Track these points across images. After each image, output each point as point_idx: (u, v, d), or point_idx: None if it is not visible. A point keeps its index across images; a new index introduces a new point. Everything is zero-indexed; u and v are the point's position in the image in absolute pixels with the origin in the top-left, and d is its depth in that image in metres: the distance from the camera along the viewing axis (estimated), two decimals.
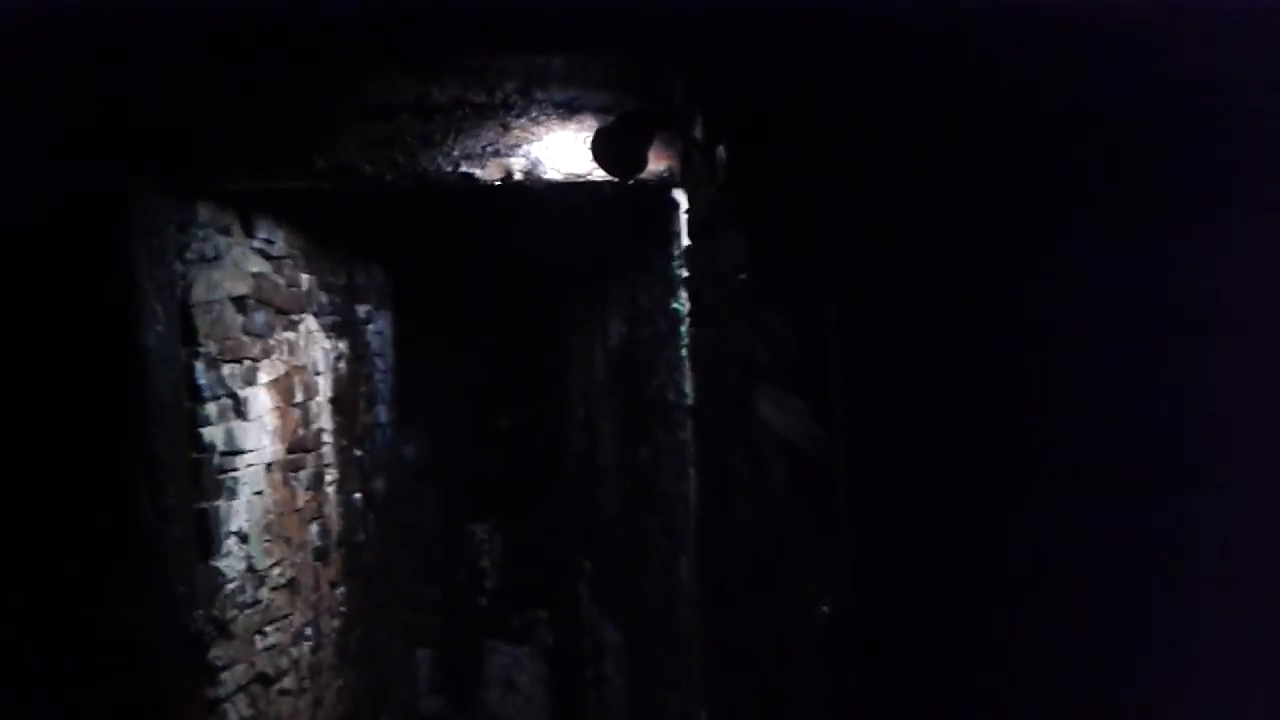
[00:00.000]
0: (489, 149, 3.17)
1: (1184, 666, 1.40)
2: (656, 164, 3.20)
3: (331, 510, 4.90)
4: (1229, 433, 1.40)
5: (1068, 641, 1.41)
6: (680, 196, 3.32)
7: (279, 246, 4.18)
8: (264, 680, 3.92)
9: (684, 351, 3.63)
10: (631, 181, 3.20)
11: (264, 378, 4.01)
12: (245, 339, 3.83)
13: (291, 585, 4.24)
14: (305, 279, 4.58)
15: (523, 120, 3.15)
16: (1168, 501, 1.40)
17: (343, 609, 5.02)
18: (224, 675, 3.56)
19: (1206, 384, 1.40)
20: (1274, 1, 1.38)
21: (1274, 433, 1.38)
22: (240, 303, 3.78)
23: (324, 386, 4.86)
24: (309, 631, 4.47)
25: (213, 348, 3.54)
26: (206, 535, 3.48)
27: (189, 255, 3.43)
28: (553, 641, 8.03)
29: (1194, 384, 1.40)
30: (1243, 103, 1.39)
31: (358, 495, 5.43)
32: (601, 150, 3.12)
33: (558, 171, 3.20)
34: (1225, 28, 1.38)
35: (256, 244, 3.96)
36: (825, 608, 1.60)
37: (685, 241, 3.32)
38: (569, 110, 3.14)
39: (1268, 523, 1.38)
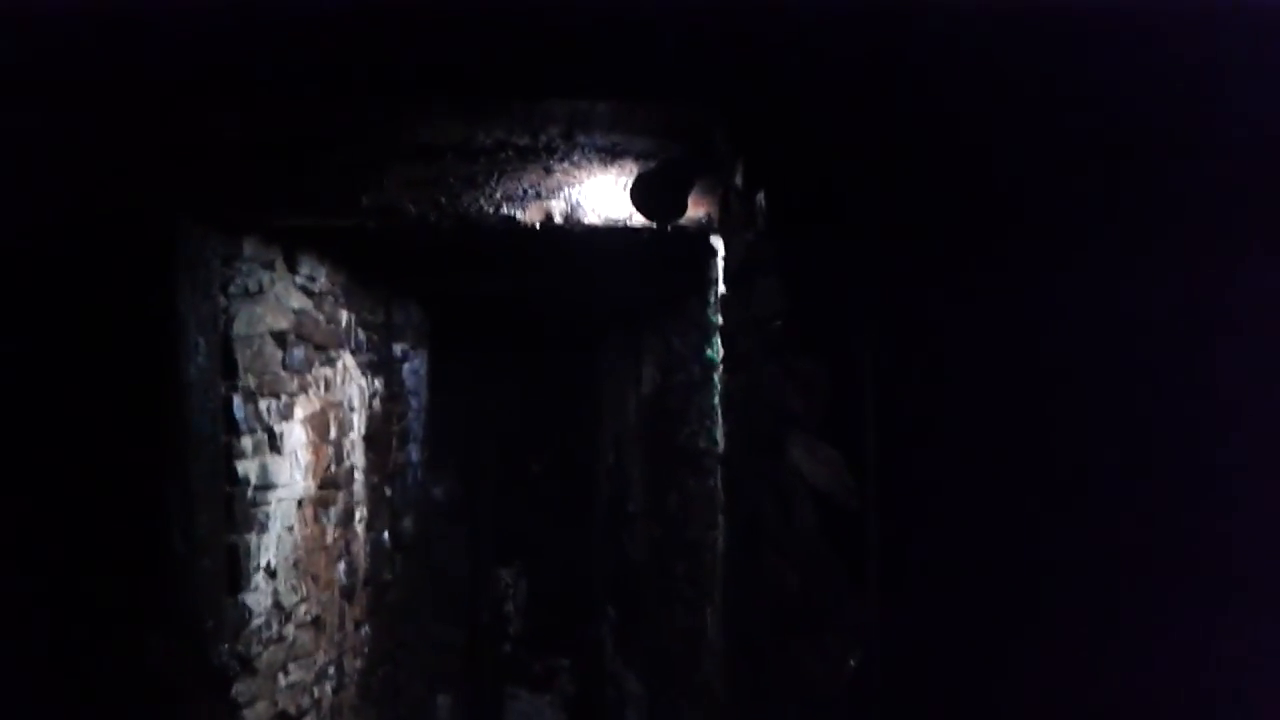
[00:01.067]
0: (530, 191, 3.21)
1: (1211, 699, 1.36)
2: (695, 210, 3.21)
3: (359, 548, 4.91)
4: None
5: (1099, 696, 1.38)
6: (718, 243, 3.33)
7: (320, 283, 4.24)
8: (285, 719, 3.90)
9: (716, 399, 3.63)
10: (670, 228, 3.21)
11: (300, 413, 4.04)
12: (283, 374, 3.87)
13: (317, 623, 4.24)
14: (344, 315, 4.63)
15: (564, 164, 3.19)
16: (1203, 545, 1.37)
17: (366, 649, 5.00)
18: (246, 712, 3.55)
19: (1241, 427, 1.38)
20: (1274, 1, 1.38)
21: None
22: (280, 338, 3.82)
23: (358, 423, 4.89)
24: (332, 670, 4.46)
25: (251, 382, 3.58)
26: (236, 569, 3.49)
27: (232, 289, 3.48)
28: (574, 690, 7.94)
29: (1231, 423, 1.38)
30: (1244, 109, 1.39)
31: (386, 534, 5.43)
32: (641, 196, 3.13)
33: (597, 215, 3.22)
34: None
35: (299, 280, 4.01)
36: (853, 659, 1.57)
37: (721, 288, 3.33)
38: (610, 155, 3.17)
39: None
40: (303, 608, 4.06)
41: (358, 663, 4.86)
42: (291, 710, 3.95)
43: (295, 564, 3.98)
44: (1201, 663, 1.37)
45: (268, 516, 3.72)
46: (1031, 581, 1.42)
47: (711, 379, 3.71)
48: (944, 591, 1.44)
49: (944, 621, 1.44)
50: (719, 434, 3.59)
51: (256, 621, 3.62)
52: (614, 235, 3.31)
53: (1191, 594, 1.38)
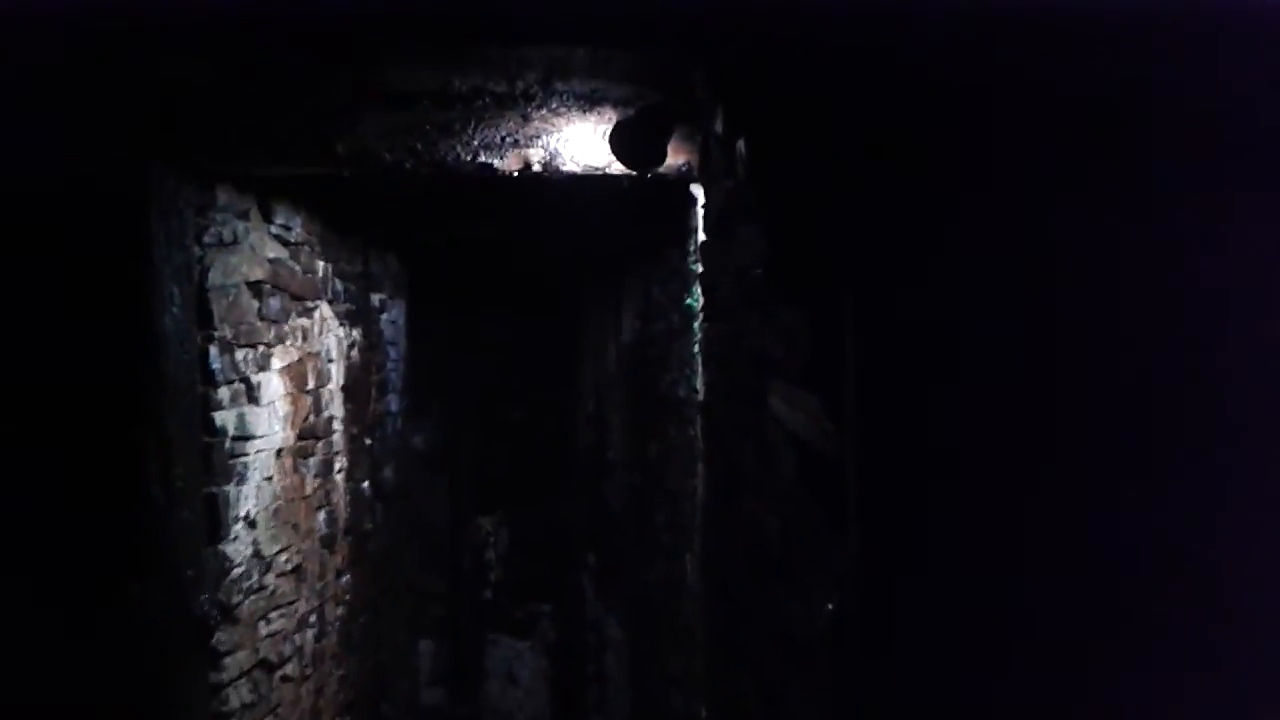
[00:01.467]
0: (508, 139, 3.17)
1: (1188, 666, 1.39)
2: (675, 158, 3.19)
3: (340, 498, 4.92)
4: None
5: (1073, 642, 1.41)
6: (698, 191, 3.32)
7: (296, 232, 4.19)
8: (267, 666, 3.93)
9: (696, 347, 3.63)
10: (649, 175, 3.19)
11: (277, 363, 4.02)
12: (260, 324, 3.85)
13: (297, 572, 4.25)
14: (321, 266, 4.60)
15: (543, 111, 3.15)
16: (1176, 499, 1.39)
17: (348, 597, 5.03)
18: (227, 660, 3.57)
19: (1214, 379, 1.39)
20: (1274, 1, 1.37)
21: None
22: (256, 288, 3.79)
23: (336, 374, 4.87)
24: (313, 619, 4.48)
25: (228, 332, 3.56)
26: (215, 519, 3.49)
27: (207, 239, 3.44)
28: (555, 636, 8.03)
29: (1198, 376, 1.39)
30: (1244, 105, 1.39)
31: (366, 484, 5.44)
32: (620, 143, 3.11)
33: (576, 163, 3.20)
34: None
35: (274, 229, 3.97)
36: (831, 603, 1.59)
37: (701, 237, 3.32)
38: (589, 102, 3.13)
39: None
40: (283, 557, 4.07)
41: (339, 611, 4.90)
42: (273, 658, 3.98)
43: (275, 514, 3.98)
44: (1193, 642, 1.40)
45: (246, 467, 3.71)
46: (1010, 526, 1.43)
47: (691, 327, 3.71)
48: (923, 537, 1.46)
49: (922, 567, 1.46)
50: (699, 382, 3.60)
51: (236, 571, 3.63)
52: (593, 183, 3.29)
53: (1189, 571, 1.40)
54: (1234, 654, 1.40)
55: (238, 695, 3.64)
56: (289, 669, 4.17)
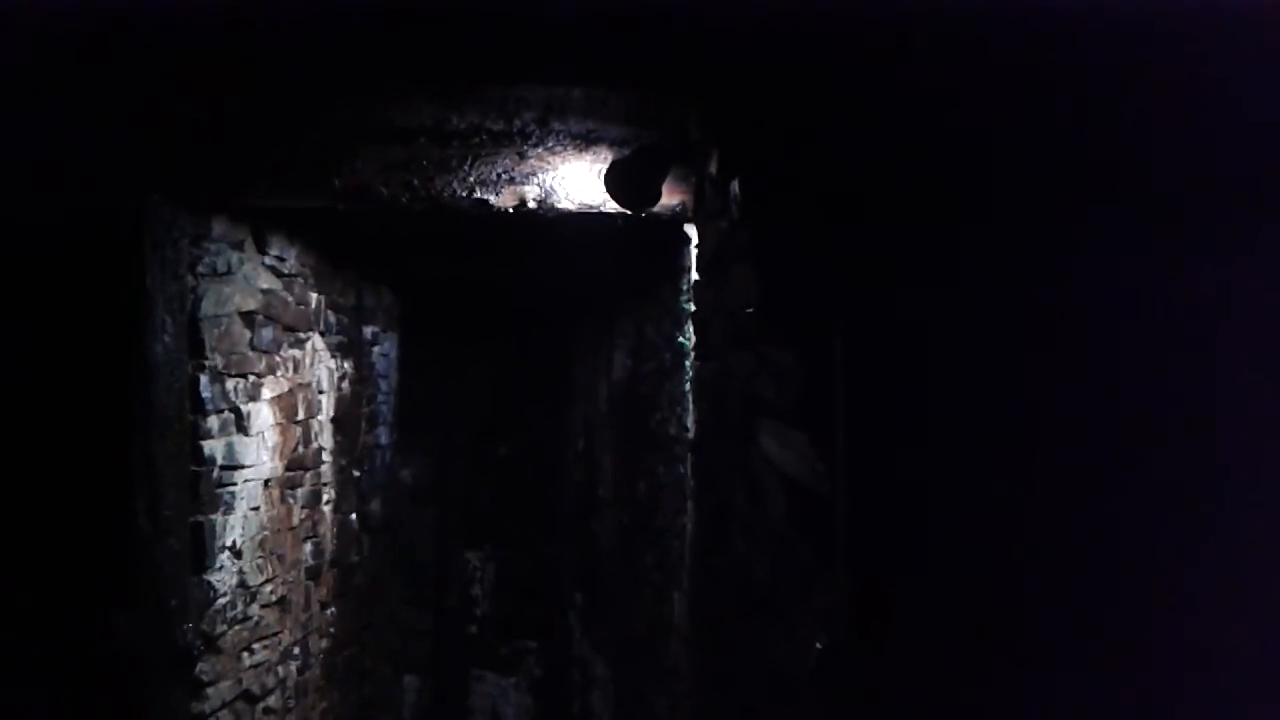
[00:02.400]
0: (504, 176, 3.20)
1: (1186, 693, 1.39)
2: (670, 198, 3.22)
3: (326, 530, 4.89)
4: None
5: (1066, 680, 1.41)
6: (691, 231, 3.34)
7: (290, 264, 4.21)
8: (249, 698, 3.89)
9: (688, 386, 3.64)
10: (644, 214, 3.22)
11: (267, 394, 4.02)
12: (251, 354, 3.85)
13: (282, 603, 4.23)
14: (314, 298, 4.61)
15: (539, 149, 3.19)
16: (1171, 540, 1.40)
17: (332, 629, 5.00)
18: (209, 690, 3.54)
19: (1212, 420, 1.41)
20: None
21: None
22: (249, 318, 3.80)
23: (326, 405, 4.87)
24: (297, 651, 4.45)
25: (219, 361, 3.56)
26: (201, 548, 3.47)
27: (200, 269, 3.45)
28: (541, 673, 7.96)
29: (1197, 419, 1.41)
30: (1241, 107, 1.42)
31: (354, 516, 5.42)
32: (616, 182, 3.14)
33: (571, 201, 3.23)
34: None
35: (268, 260, 3.98)
36: (819, 643, 1.60)
37: (695, 276, 3.34)
38: (585, 141, 3.17)
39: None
40: (268, 588, 4.04)
41: (324, 643, 4.86)
42: (256, 689, 3.94)
43: (261, 544, 3.96)
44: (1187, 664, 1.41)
45: (234, 496, 3.70)
46: (999, 566, 1.44)
47: (683, 366, 3.73)
48: (911, 577, 1.47)
49: (911, 607, 1.46)
50: (690, 421, 3.61)
51: (221, 601, 3.60)
52: (588, 221, 3.32)
53: (1179, 606, 1.41)
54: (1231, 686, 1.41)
55: None
56: (271, 701, 4.13)
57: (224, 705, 3.65)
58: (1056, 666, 1.42)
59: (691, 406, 3.57)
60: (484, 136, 3.17)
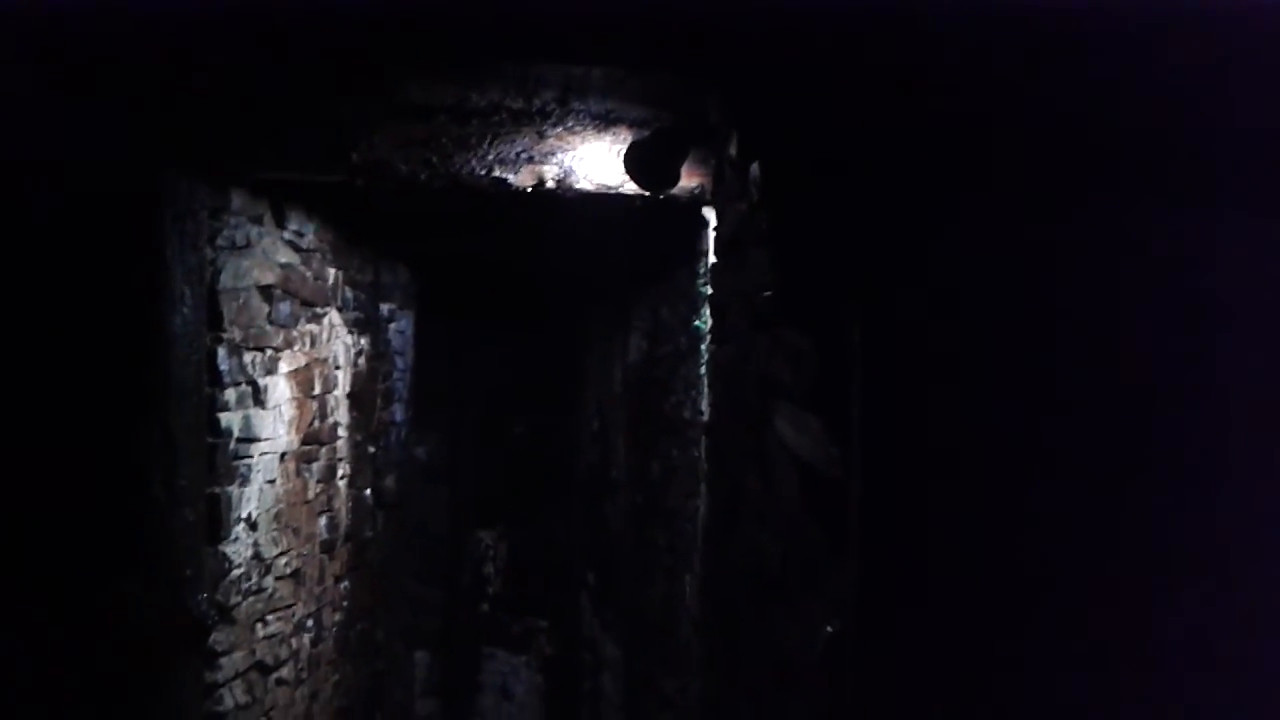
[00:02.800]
0: (523, 155, 3.20)
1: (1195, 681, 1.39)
2: (688, 180, 3.21)
3: (341, 504, 4.92)
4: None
5: (1074, 671, 1.41)
6: (710, 214, 3.33)
7: (309, 239, 4.22)
8: (262, 669, 3.92)
9: (703, 369, 3.64)
10: (662, 196, 3.21)
11: (284, 368, 4.04)
12: (269, 328, 3.87)
13: (296, 576, 4.26)
14: (332, 273, 4.62)
15: (558, 129, 3.18)
16: (1183, 524, 1.40)
17: (345, 604, 5.03)
18: (223, 660, 3.57)
19: (1219, 405, 1.40)
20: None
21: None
22: (267, 292, 3.81)
23: (343, 381, 4.89)
24: (310, 623, 4.48)
25: (236, 334, 3.58)
26: (216, 520, 3.50)
27: (220, 242, 3.47)
28: (551, 652, 8.00)
29: (1205, 401, 1.40)
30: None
31: (368, 491, 5.45)
32: (635, 163, 3.13)
33: (590, 182, 3.22)
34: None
35: (287, 235, 4.00)
36: (830, 627, 1.60)
37: (712, 259, 3.33)
38: (605, 122, 3.16)
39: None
40: (282, 560, 4.07)
41: (337, 616, 4.89)
42: (269, 660, 3.98)
43: (276, 517, 3.99)
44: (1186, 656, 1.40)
45: (250, 469, 3.72)
46: (1012, 554, 1.44)
47: (698, 349, 3.72)
48: (924, 562, 1.46)
49: (922, 591, 1.46)
50: (704, 404, 3.61)
51: (236, 572, 3.63)
52: (606, 202, 3.31)
53: (1184, 589, 1.41)
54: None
55: (232, 696, 3.64)
56: (284, 672, 4.16)
57: (237, 675, 3.69)
58: (1066, 657, 1.42)
59: (706, 390, 3.56)
60: (503, 115, 3.17)
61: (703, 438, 3.63)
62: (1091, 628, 1.41)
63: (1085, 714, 1.41)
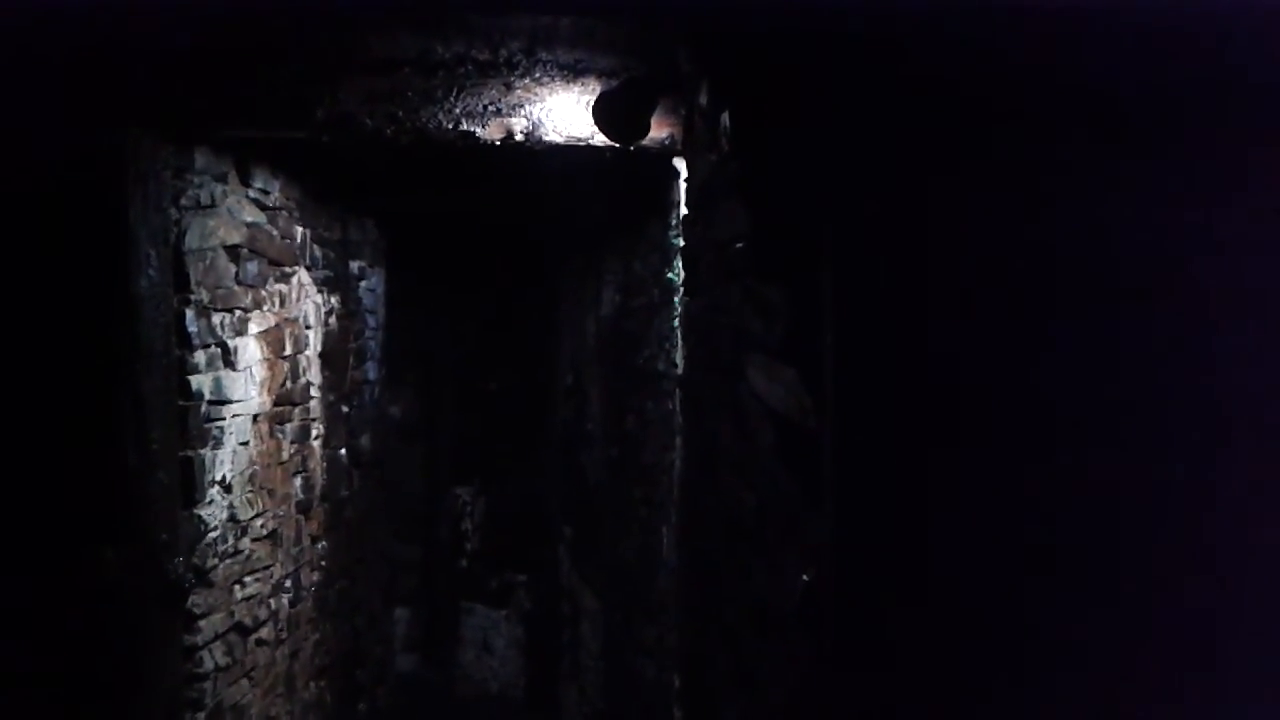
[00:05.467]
0: (490, 108, 3.15)
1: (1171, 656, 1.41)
2: (659, 131, 3.18)
3: (316, 465, 4.91)
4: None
5: (1047, 619, 1.43)
6: (681, 165, 3.31)
7: (274, 197, 4.16)
8: (242, 630, 3.93)
9: (676, 321, 3.64)
10: (632, 148, 3.18)
11: (254, 328, 4.00)
12: (237, 288, 3.82)
13: (273, 537, 4.25)
14: (299, 231, 4.56)
15: (526, 80, 3.13)
16: (1165, 480, 1.41)
17: (323, 563, 5.04)
18: (202, 623, 3.58)
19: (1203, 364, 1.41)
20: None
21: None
22: (233, 252, 3.76)
23: (314, 341, 4.85)
24: (288, 584, 4.49)
25: (204, 296, 3.53)
26: (190, 483, 3.48)
27: (184, 202, 3.41)
28: (530, 606, 8.07)
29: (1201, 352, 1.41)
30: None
31: (343, 451, 5.43)
32: (604, 114, 3.10)
33: (559, 134, 3.18)
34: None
35: (252, 193, 3.93)
36: (806, 576, 1.61)
37: (684, 211, 3.32)
38: (573, 73, 3.11)
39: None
40: (258, 522, 4.06)
41: (315, 576, 4.90)
42: (248, 621, 3.98)
43: (251, 479, 3.97)
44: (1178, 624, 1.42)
45: (222, 431, 3.70)
46: (986, 501, 1.45)
47: (671, 302, 3.71)
48: (898, 510, 1.48)
49: (897, 540, 1.47)
50: (678, 356, 3.61)
51: (212, 535, 3.62)
52: (576, 154, 3.28)
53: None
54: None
55: (212, 657, 3.64)
56: (264, 633, 4.17)
57: (217, 637, 3.69)
58: (1043, 602, 1.43)
59: (680, 342, 3.56)
60: (470, 67, 3.12)
61: (677, 390, 3.64)
62: (1066, 571, 1.43)
63: (1062, 656, 1.43)
